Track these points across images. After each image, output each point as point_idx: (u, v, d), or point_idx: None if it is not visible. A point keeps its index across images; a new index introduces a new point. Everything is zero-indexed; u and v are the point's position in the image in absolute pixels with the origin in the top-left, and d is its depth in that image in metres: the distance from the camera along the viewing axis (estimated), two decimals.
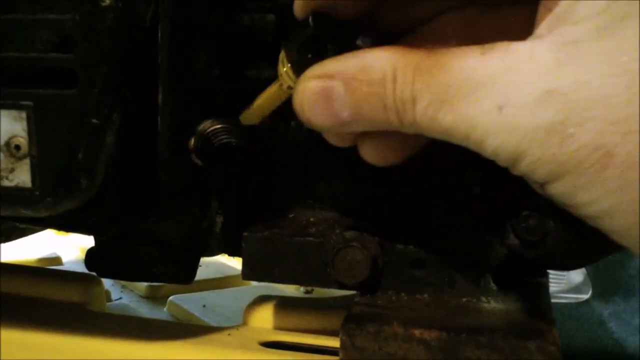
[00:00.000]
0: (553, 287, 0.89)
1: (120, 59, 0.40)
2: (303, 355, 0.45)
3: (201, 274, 0.68)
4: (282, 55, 0.35)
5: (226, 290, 0.69)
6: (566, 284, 0.90)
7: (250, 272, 0.46)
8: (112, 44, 0.40)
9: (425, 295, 0.43)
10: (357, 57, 0.31)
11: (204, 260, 0.67)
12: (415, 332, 0.38)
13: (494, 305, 0.42)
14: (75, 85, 0.38)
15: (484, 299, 0.42)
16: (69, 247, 0.84)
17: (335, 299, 0.55)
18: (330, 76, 0.31)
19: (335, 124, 0.32)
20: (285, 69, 0.34)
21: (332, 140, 0.37)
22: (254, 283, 0.71)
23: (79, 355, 0.44)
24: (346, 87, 0.31)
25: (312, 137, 0.47)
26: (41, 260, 0.77)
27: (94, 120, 0.38)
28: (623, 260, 0.91)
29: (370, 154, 0.36)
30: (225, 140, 0.46)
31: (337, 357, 0.39)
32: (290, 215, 0.49)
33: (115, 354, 0.44)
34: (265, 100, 0.38)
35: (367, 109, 0.31)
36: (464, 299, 0.42)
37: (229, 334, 0.48)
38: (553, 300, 0.86)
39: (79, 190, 0.38)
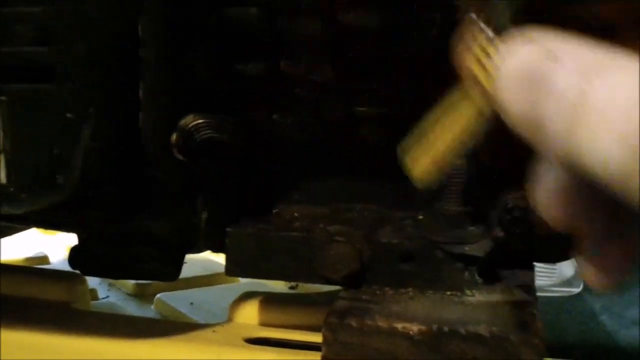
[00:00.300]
0: (544, 281, 0.89)
1: (99, 52, 0.40)
2: (288, 351, 0.44)
3: (189, 271, 0.68)
4: (474, 28, 0.24)
5: (214, 287, 0.68)
6: (557, 278, 0.90)
7: (234, 268, 0.45)
8: (90, 37, 0.39)
9: (410, 289, 0.42)
10: (600, 46, 0.21)
11: (192, 257, 0.66)
12: (398, 326, 0.37)
13: (478, 298, 0.41)
14: (51, 80, 0.38)
15: (468, 292, 0.42)
16: (57, 247, 0.83)
17: (322, 294, 0.55)
18: (553, 54, 0.21)
19: (528, 117, 0.23)
20: (481, 42, 0.24)
21: (549, 215, 0.27)
22: (242, 280, 0.70)
23: (61, 354, 0.43)
24: (579, 78, 0.20)
25: (296, 130, 0.47)
26: (28, 259, 0.77)
27: (69, 115, 0.37)
28: None
29: (596, 267, 0.27)
30: (208, 135, 0.46)
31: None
32: (275, 211, 0.48)
33: (98, 352, 0.43)
34: (451, 128, 0.25)
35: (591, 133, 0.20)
36: (449, 293, 0.42)
37: (213, 331, 0.48)
38: (544, 294, 0.86)
39: (56, 186, 0.38)
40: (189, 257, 0.57)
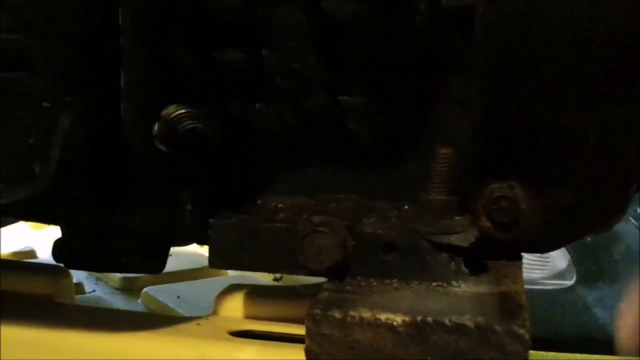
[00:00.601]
0: (537, 274, 0.88)
1: (77, 41, 0.39)
2: (271, 344, 0.44)
3: (176, 265, 0.67)
4: None
5: (201, 281, 0.68)
6: (550, 270, 0.90)
7: (217, 260, 0.45)
8: (68, 25, 0.39)
9: (395, 280, 0.42)
10: None
11: (180, 251, 0.66)
12: (382, 317, 0.36)
13: (464, 289, 0.41)
14: (27, 68, 0.37)
15: (454, 283, 0.41)
16: (45, 241, 0.82)
17: (307, 286, 0.54)
18: None
19: None
20: None
21: None
22: (230, 273, 0.70)
23: (40, 347, 0.43)
24: None
25: (278, 121, 0.46)
26: (15, 254, 0.76)
27: (45, 104, 0.36)
28: (607, 245, 0.90)
29: None
30: (191, 126, 0.45)
31: None
32: (259, 202, 0.47)
33: (78, 345, 0.43)
34: None
35: None
36: (434, 284, 0.41)
37: (197, 324, 0.47)
38: (537, 287, 0.85)
39: (33, 176, 0.37)
40: (176, 250, 0.56)
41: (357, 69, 0.44)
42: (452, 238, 0.41)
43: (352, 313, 0.37)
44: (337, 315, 0.37)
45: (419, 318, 0.36)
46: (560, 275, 0.91)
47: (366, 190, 0.46)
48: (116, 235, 0.50)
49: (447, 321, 0.36)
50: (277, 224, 0.43)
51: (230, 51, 0.44)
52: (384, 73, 0.44)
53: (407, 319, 0.36)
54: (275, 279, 0.66)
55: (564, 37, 0.38)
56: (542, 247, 0.46)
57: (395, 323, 0.36)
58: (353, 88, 0.44)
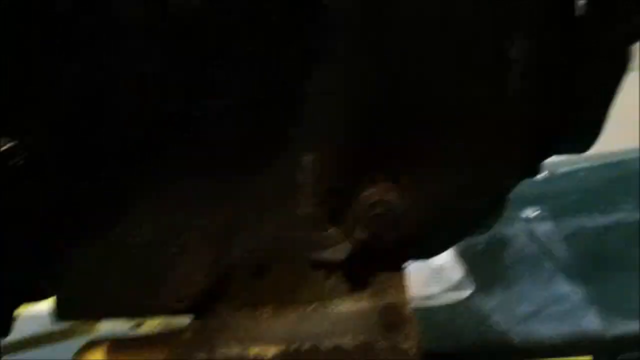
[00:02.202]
0: (433, 288, 0.86)
1: None
2: None
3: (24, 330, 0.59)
4: None
5: (60, 344, 0.59)
6: (446, 283, 0.88)
7: (64, 312, 0.38)
8: None
9: (270, 306, 0.37)
10: None
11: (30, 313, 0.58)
12: (251, 353, 0.32)
13: (346, 306, 0.37)
14: None
15: (335, 301, 0.37)
16: None
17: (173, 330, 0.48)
18: None
19: None
20: None
21: None
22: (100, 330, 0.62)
23: None
24: None
25: (123, 138, 0.40)
26: None
27: None
28: (496, 251, 0.90)
29: None
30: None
31: None
32: (107, 233, 0.41)
33: None
34: None
35: None
36: (312, 306, 0.37)
37: None
38: (436, 302, 0.83)
39: None
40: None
41: (211, 67, 0.39)
42: (325, 253, 0.37)
43: (220, 350, 0.32)
44: (202, 356, 0.32)
45: (292, 347, 0.32)
46: (457, 286, 0.89)
47: (236, 205, 0.41)
48: None
49: (324, 345, 0.31)
50: (132, 258, 0.38)
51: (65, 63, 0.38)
52: (244, 70, 0.40)
53: (280, 349, 0.32)
54: (136, 326, 0.59)
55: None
56: (427, 251, 0.43)
57: (265, 357, 0.32)
58: (215, 89, 0.40)
